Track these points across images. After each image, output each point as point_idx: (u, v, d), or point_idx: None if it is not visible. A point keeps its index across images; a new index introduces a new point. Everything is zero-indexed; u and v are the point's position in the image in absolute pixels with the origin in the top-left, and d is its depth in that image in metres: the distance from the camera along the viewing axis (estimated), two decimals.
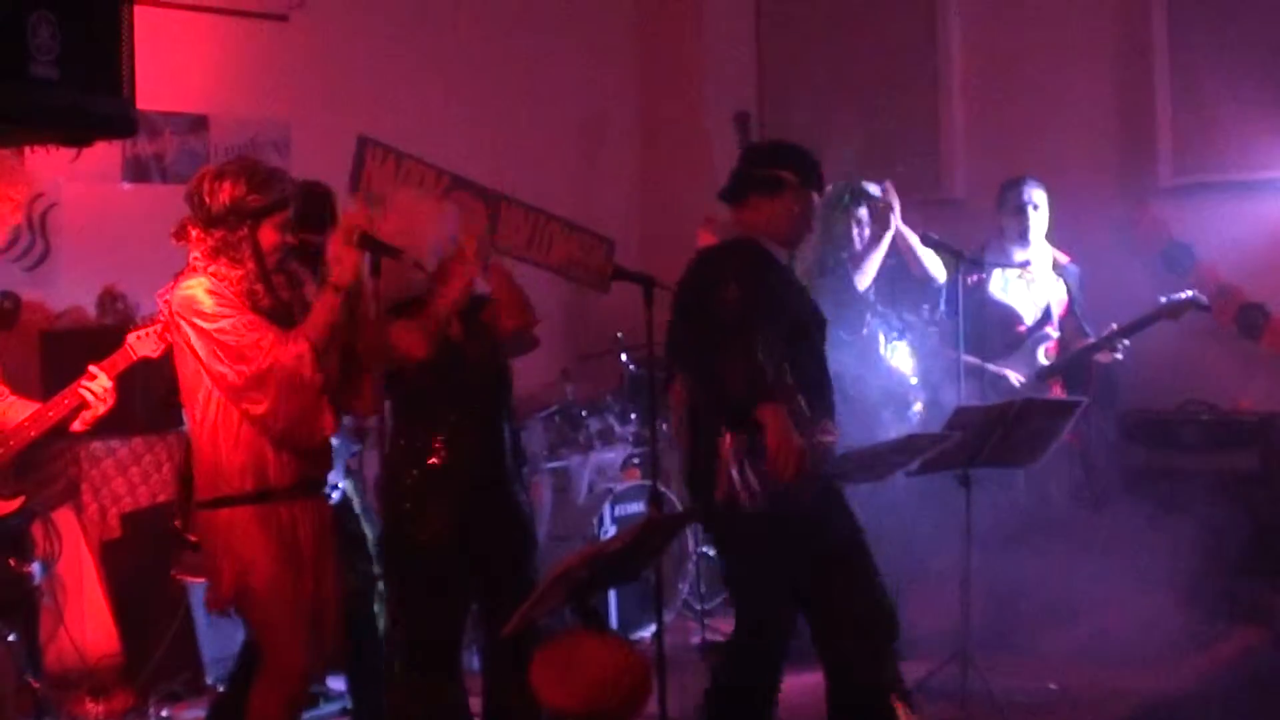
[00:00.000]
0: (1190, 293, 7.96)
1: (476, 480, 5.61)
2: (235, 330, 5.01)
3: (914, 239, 7.71)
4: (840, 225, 7.62)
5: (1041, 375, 7.93)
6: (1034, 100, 9.64)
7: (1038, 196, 7.97)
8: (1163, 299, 7.95)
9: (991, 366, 7.90)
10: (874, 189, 7.77)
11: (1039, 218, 7.98)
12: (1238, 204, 8.95)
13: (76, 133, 2.94)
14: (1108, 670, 7.16)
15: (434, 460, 5.58)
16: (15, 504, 6.03)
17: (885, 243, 7.69)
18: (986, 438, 6.44)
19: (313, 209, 5.96)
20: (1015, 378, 7.89)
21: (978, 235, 8.25)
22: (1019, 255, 8.04)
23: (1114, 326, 7.87)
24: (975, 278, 7.94)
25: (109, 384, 5.75)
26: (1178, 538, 7.43)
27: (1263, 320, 8.96)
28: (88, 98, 2.83)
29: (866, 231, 7.68)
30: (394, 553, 5.60)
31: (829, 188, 7.74)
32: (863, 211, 7.68)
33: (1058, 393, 7.90)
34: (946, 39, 10.14)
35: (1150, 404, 8.76)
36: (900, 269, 7.77)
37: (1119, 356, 7.87)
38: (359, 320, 5.26)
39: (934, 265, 7.73)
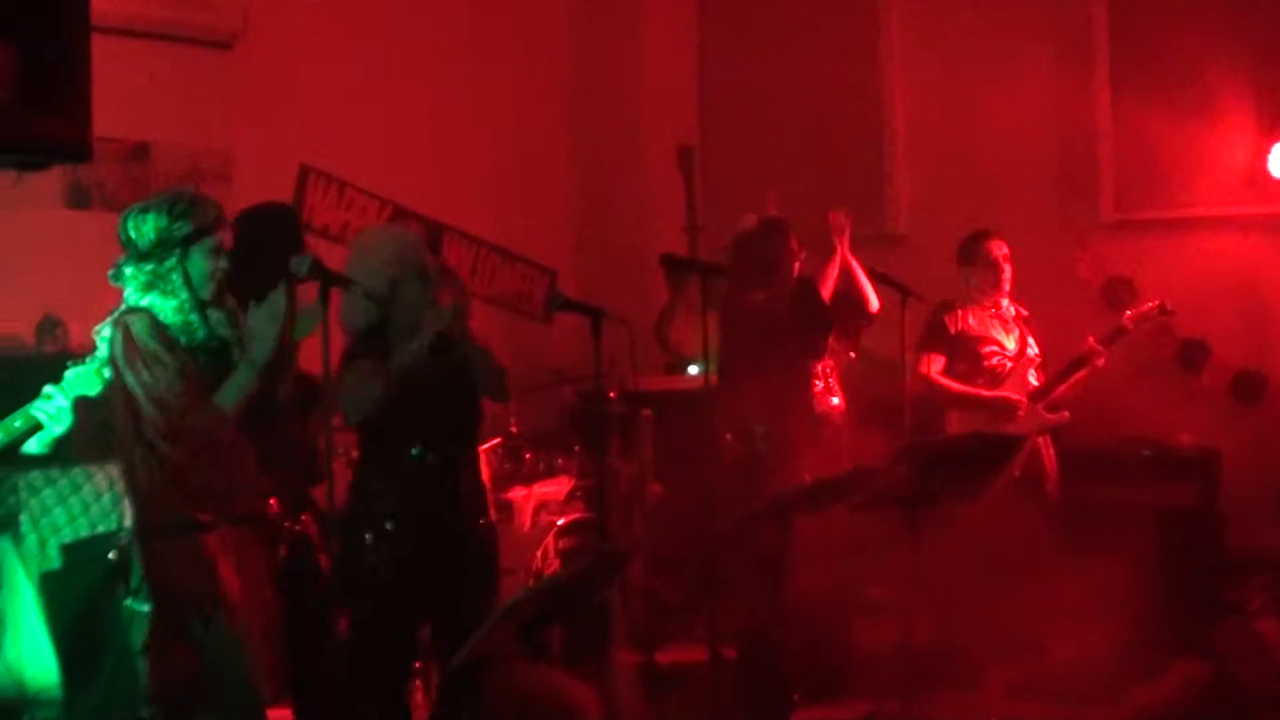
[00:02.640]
0: (1155, 302, 8.02)
1: (440, 513, 5.59)
2: (163, 377, 4.98)
3: (859, 268, 7.81)
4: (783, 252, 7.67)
5: (1035, 397, 7.92)
6: (976, 135, 9.67)
7: (1005, 250, 8.00)
8: (1128, 311, 8.05)
9: (989, 393, 7.91)
10: None
11: (1008, 271, 8.02)
12: (1179, 239, 9.02)
13: (31, 157, 2.89)
14: (1050, 704, 7.16)
15: (399, 492, 5.56)
16: None
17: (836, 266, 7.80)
18: (932, 472, 6.42)
19: (275, 230, 5.92)
20: (1017, 400, 7.90)
21: (920, 270, 8.24)
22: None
23: (1090, 339, 7.91)
24: (957, 320, 7.99)
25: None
26: (1118, 572, 7.44)
27: (1203, 356, 9.03)
28: (43, 122, 2.78)
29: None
30: (350, 582, 5.57)
31: (759, 220, 7.79)
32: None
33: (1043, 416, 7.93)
34: (890, 73, 10.19)
35: (1091, 439, 8.77)
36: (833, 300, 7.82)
37: (1100, 364, 7.92)
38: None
39: (873, 295, 7.83)
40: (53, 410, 5.73)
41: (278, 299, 5.09)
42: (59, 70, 2.80)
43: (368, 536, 5.55)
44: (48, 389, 5.73)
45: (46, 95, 2.79)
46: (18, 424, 5.78)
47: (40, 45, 2.77)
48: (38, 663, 7.05)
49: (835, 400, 7.86)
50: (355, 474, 5.76)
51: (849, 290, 7.92)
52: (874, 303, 7.95)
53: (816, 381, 7.74)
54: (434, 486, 5.63)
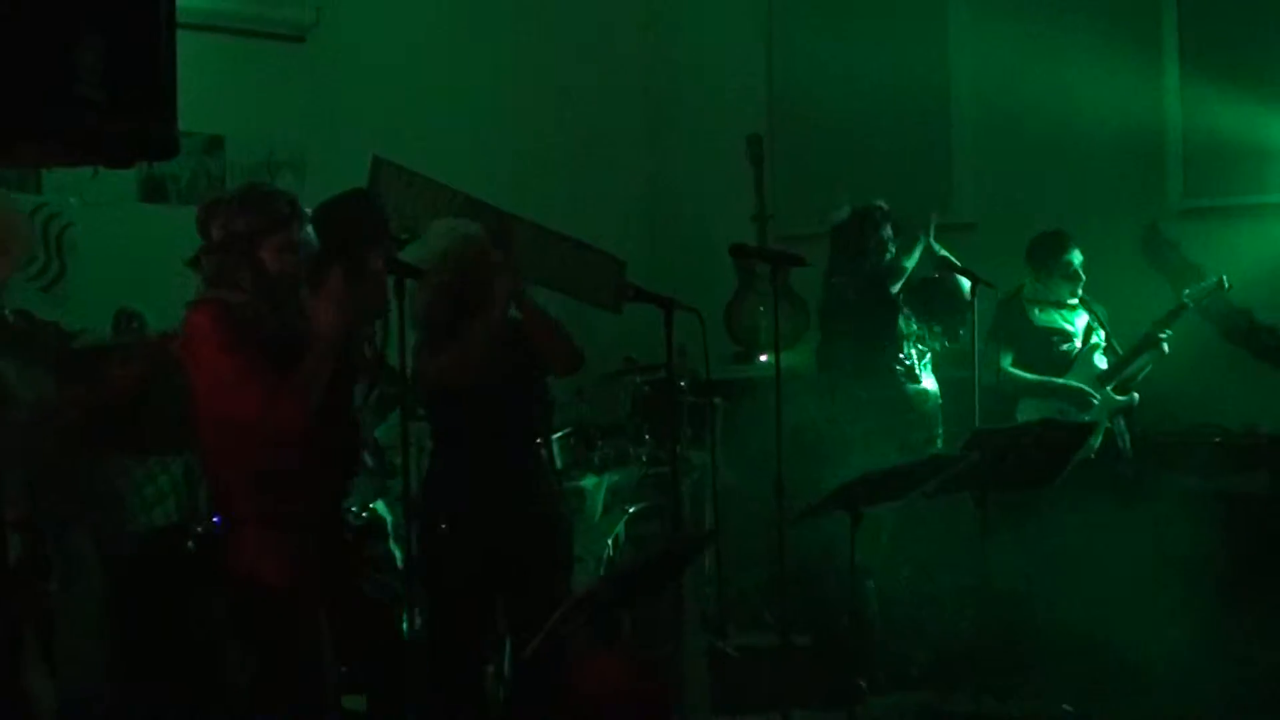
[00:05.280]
0: (1215, 278, 8.02)
1: (514, 502, 5.63)
2: (234, 369, 4.99)
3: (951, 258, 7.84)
4: (873, 240, 7.71)
5: (1101, 379, 7.94)
6: (1044, 123, 9.63)
7: (1081, 258, 8.01)
8: (1186, 291, 8.03)
9: (1060, 382, 7.94)
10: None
11: (1083, 279, 8.04)
12: (1249, 226, 8.95)
13: (119, 154, 2.91)
14: (1124, 693, 7.14)
15: (470, 482, 5.60)
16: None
17: (917, 252, 7.76)
18: (1004, 459, 6.40)
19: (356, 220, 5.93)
20: (1088, 391, 7.92)
21: (987, 258, 8.20)
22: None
23: (1151, 323, 7.96)
24: (1023, 312, 8.01)
25: None
26: (1189, 559, 7.42)
27: (1275, 343, 8.95)
28: (130, 119, 2.81)
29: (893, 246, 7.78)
30: (426, 573, 5.62)
31: (851, 209, 7.80)
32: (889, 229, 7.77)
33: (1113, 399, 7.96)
34: (957, 61, 10.18)
35: (1161, 426, 8.72)
36: (930, 287, 7.82)
37: (1165, 349, 7.95)
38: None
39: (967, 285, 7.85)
40: None
41: (334, 284, 5.08)
42: (144, 66, 2.83)
43: (443, 527, 5.60)
44: None
45: (132, 92, 2.81)
46: None
47: (125, 41, 2.79)
48: (113, 649, 7.11)
49: (925, 384, 7.85)
50: (429, 466, 5.80)
51: (945, 279, 7.88)
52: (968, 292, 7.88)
53: (902, 364, 7.75)
54: (505, 476, 5.67)
